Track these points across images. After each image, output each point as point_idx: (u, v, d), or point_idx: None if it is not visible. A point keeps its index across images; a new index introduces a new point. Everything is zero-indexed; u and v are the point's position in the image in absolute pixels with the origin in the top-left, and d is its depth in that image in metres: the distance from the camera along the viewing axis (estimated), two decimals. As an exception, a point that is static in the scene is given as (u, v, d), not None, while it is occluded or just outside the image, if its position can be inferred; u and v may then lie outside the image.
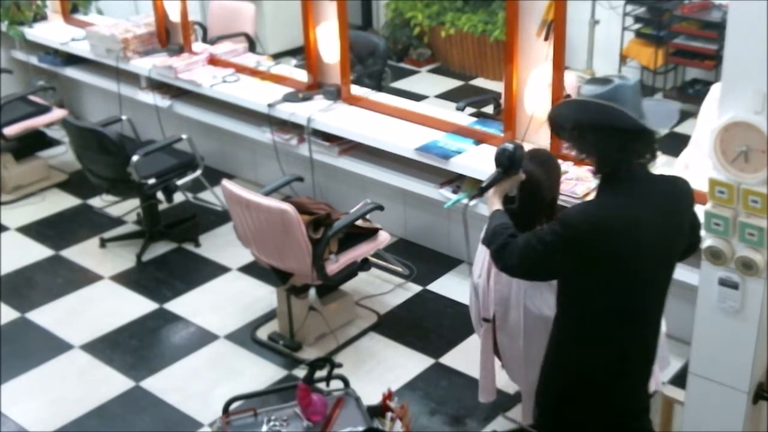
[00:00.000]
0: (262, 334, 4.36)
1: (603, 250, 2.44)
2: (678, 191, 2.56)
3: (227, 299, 4.67)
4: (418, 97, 6.65)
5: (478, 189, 2.89)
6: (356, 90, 5.02)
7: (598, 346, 2.58)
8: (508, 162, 2.81)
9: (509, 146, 2.81)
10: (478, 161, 4.22)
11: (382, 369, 4.08)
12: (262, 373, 4.10)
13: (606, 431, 2.69)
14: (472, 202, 4.18)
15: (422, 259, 4.82)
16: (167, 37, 5.83)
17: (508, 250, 2.58)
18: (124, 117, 5.41)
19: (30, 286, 4.85)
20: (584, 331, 2.59)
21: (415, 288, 4.66)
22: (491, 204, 2.78)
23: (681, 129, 6.22)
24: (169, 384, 4.07)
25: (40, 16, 6.49)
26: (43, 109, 5.86)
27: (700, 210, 2.62)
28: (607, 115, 2.41)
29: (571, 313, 2.61)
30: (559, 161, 3.30)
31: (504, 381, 3.56)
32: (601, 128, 2.44)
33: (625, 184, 2.47)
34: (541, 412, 2.79)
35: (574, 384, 2.65)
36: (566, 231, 2.46)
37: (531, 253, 2.52)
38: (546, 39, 3.99)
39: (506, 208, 2.80)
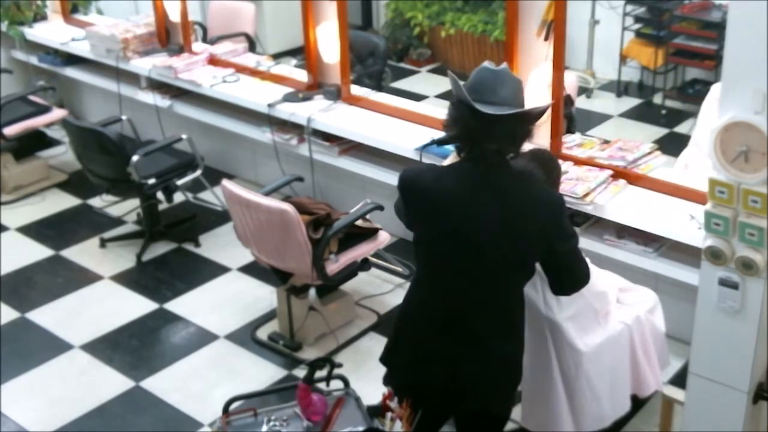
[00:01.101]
0: (262, 334, 4.36)
1: (415, 208, 2.66)
2: (530, 202, 2.57)
3: (227, 299, 4.67)
4: (418, 97, 6.65)
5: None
6: (356, 90, 5.02)
7: (413, 296, 2.82)
8: None
9: None
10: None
11: (382, 369, 4.06)
12: (262, 373, 4.10)
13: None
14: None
15: (422, 259, 4.82)
16: (167, 37, 5.82)
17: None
18: (124, 117, 5.41)
19: (30, 286, 4.85)
20: (416, 275, 2.83)
21: (415, 288, 4.66)
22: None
23: (681, 129, 6.25)
24: (169, 384, 4.07)
25: (40, 16, 6.49)
26: (43, 109, 5.86)
27: (699, 210, 2.61)
28: (453, 86, 2.55)
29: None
30: (560, 161, 3.30)
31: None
32: (454, 102, 2.58)
33: (469, 163, 2.58)
34: None
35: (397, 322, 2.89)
36: (399, 182, 2.70)
37: (397, 202, 2.78)
38: (546, 39, 3.99)
39: None
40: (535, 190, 2.66)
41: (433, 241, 2.65)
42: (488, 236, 2.55)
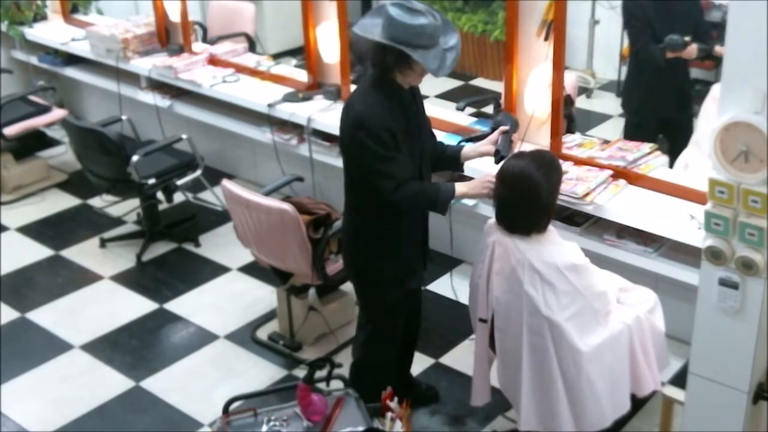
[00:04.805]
0: (262, 334, 4.36)
1: None
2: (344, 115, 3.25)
3: (227, 299, 4.67)
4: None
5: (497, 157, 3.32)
6: (356, 90, 5.01)
7: None
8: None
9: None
10: (478, 162, 4.21)
11: (382, 369, 4.07)
12: (262, 373, 4.11)
13: None
14: (472, 202, 4.21)
15: (422, 259, 4.81)
16: (167, 37, 5.82)
17: None
18: (124, 117, 5.41)
19: (30, 286, 4.85)
20: None
21: (415, 288, 4.66)
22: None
23: (681, 129, 6.24)
24: (169, 384, 4.07)
25: (40, 16, 6.50)
26: (43, 109, 5.86)
27: (699, 210, 2.61)
28: None
29: None
30: (560, 161, 3.30)
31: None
32: None
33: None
34: None
35: None
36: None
37: None
38: (546, 39, 3.99)
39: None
40: (352, 106, 3.24)
41: None
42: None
